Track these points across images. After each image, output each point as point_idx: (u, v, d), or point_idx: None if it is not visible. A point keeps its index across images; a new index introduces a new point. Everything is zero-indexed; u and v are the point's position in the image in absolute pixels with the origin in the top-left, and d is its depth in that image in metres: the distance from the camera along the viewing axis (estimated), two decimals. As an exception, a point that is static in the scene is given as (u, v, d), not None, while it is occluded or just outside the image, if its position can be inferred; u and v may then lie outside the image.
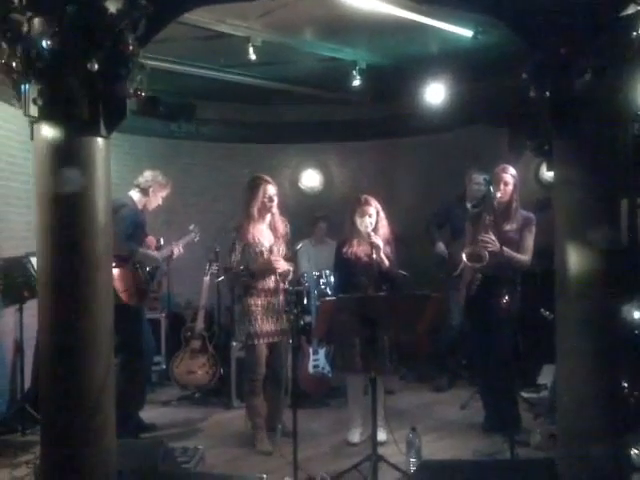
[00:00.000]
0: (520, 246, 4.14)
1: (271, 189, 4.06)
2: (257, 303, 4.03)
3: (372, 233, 4.03)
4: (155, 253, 4.55)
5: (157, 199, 4.59)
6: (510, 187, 4.19)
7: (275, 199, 4.07)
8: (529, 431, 4.00)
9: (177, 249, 4.80)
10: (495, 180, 4.15)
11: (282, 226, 4.17)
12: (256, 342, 4.00)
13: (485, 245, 4.07)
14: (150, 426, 4.53)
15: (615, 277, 2.97)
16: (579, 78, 2.85)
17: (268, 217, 4.12)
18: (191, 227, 5.13)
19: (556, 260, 3.06)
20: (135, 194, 4.46)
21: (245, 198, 4.11)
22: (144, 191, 4.48)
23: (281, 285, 4.08)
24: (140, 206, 4.46)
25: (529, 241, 4.17)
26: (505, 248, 3.90)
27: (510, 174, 4.21)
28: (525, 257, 4.15)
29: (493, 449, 3.87)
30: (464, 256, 4.17)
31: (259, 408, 4.10)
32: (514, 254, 4.07)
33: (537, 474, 3.04)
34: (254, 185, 4.06)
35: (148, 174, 4.51)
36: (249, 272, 3.99)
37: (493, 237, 4.03)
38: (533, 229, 4.19)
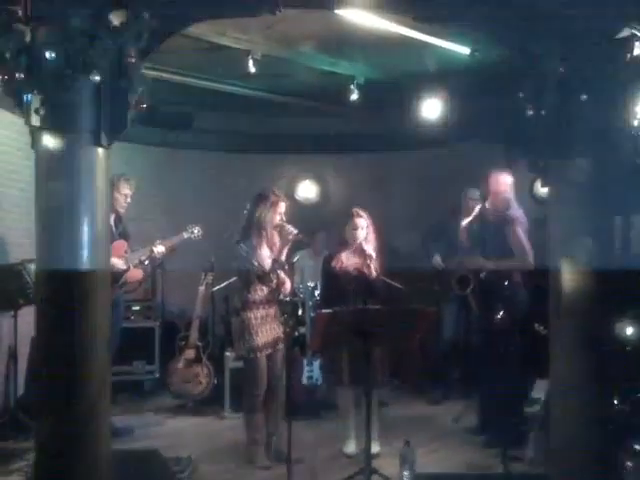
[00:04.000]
0: (509, 248, 4.14)
1: (282, 206, 4.04)
2: (256, 315, 3.98)
3: (364, 243, 4.07)
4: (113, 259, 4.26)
5: (117, 198, 4.49)
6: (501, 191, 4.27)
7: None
8: (522, 445, 4.01)
9: (157, 249, 4.64)
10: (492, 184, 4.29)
11: (277, 238, 4.11)
12: (258, 355, 3.96)
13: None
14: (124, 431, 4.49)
15: (608, 293, 3.00)
16: (575, 98, 2.90)
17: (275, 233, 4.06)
18: (189, 226, 5.01)
19: (550, 276, 3.09)
20: None
21: (256, 210, 4.04)
22: None
23: (278, 296, 4.06)
24: None
25: (515, 239, 4.13)
26: (487, 261, 4.07)
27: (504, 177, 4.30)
28: (518, 259, 4.12)
29: (487, 463, 3.88)
30: (456, 286, 4.29)
31: (259, 424, 4.02)
32: (498, 262, 4.09)
33: (530, 489, 3.06)
34: (271, 200, 4.02)
35: None
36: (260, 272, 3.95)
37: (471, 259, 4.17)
38: (517, 226, 4.15)
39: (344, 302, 3.99)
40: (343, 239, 4.19)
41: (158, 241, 4.70)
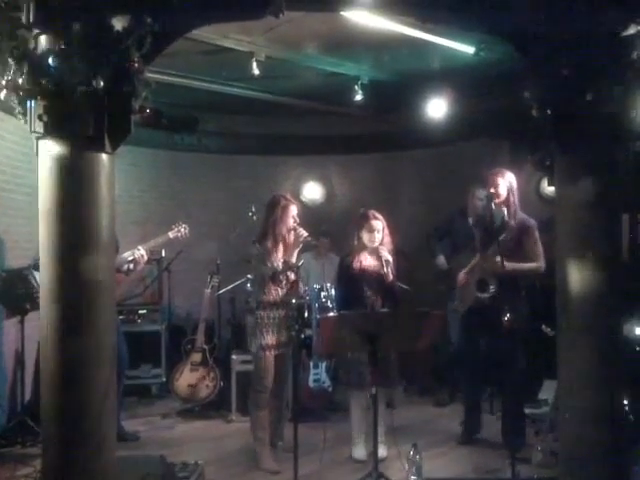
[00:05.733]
0: (523, 254, 4.04)
1: (294, 209, 4.10)
2: (269, 315, 4.04)
3: (381, 247, 4.06)
4: None
5: None
6: (501, 190, 4.12)
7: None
8: (530, 448, 3.98)
9: (138, 253, 4.39)
10: (488, 183, 4.15)
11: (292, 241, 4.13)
12: (267, 353, 4.01)
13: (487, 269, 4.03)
14: (131, 436, 4.51)
15: (616, 293, 2.97)
16: (581, 97, 2.88)
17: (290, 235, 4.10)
18: (175, 225, 4.79)
19: (557, 276, 3.06)
20: None
21: (271, 215, 4.09)
22: None
23: (291, 299, 4.08)
24: None
25: (533, 246, 4.06)
26: (507, 263, 3.78)
27: (502, 177, 4.14)
28: (534, 264, 4.04)
29: (494, 466, 3.86)
30: (476, 290, 4.13)
31: (264, 421, 4.07)
32: (518, 265, 3.97)
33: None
34: (282, 205, 4.07)
35: None
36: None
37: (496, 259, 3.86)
38: (535, 233, 4.09)
39: (361, 305, 4.00)
40: (359, 242, 4.14)
41: (139, 246, 4.45)
